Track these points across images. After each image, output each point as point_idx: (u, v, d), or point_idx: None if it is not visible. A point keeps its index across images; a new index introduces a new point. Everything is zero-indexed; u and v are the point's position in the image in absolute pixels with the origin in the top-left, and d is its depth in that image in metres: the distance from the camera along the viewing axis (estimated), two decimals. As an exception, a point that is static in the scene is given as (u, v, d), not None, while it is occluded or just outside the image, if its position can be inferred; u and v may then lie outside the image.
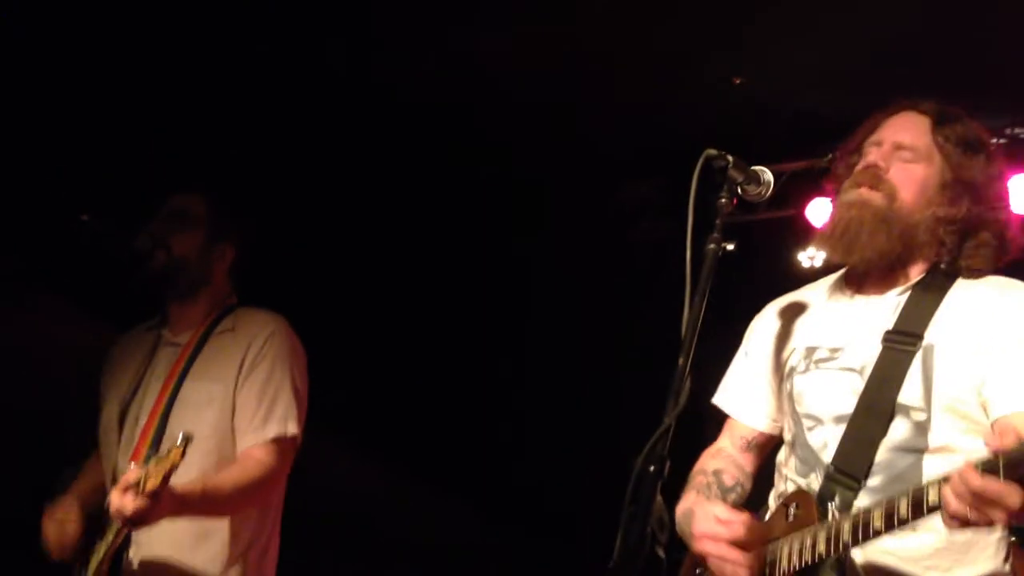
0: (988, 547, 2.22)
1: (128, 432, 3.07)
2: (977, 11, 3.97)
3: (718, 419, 2.65)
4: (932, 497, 1.91)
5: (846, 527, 2.05)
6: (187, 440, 2.52)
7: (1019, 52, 4.14)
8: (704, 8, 3.91)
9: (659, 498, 1.80)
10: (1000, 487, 1.80)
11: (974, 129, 2.44)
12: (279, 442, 2.98)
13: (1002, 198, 2.43)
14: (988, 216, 2.37)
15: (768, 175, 2.29)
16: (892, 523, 1.97)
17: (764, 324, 2.60)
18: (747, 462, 2.60)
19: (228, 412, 3.01)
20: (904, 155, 2.38)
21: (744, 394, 2.58)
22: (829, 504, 2.22)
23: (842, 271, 2.53)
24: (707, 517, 2.23)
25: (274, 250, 3.59)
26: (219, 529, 2.95)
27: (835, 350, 2.39)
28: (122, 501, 2.56)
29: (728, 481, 2.49)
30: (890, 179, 2.36)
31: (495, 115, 4.34)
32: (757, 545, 2.22)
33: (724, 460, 2.56)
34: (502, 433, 5.38)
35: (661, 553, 1.91)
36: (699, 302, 2.03)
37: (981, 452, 2.07)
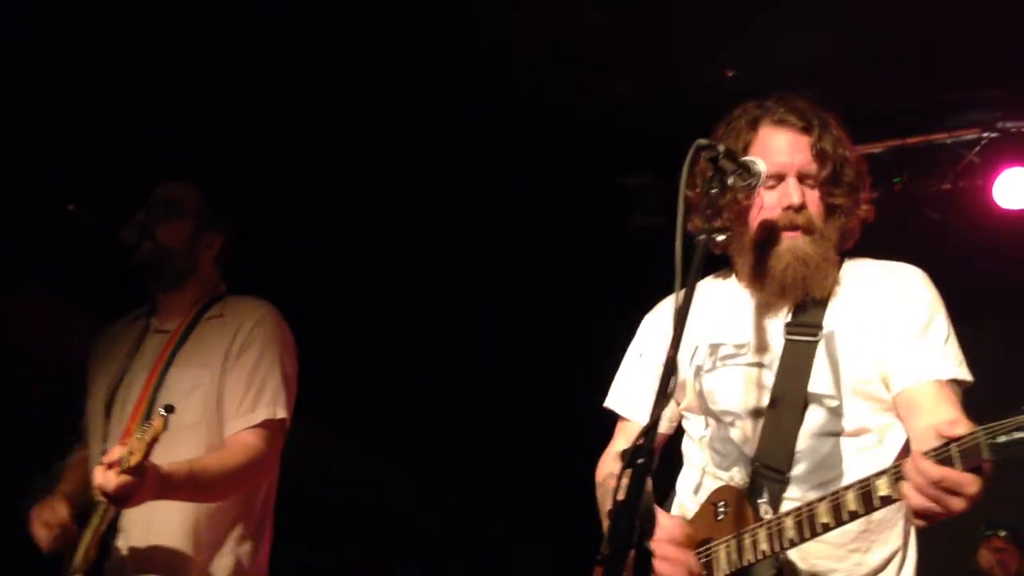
0: (897, 524, 2.28)
1: (115, 420, 3.05)
2: (968, 6, 3.97)
3: (611, 422, 2.62)
4: (883, 489, 1.95)
5: (789, 524, 2.08)
6: (169, 410, 2.50)
7: (1009, 46, 4.15)
8: (697, 1, 3.91)
9: (646, 492, 1.80)
10: (959, 475, 1.84)
11: (834, 125, 2.43)
12: (268, 426, 2.96)
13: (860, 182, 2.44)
14: (857, 205, 2.41)
15: (760, 165, 2.27)
16: (840, 517, 2.01)
17: (657, 323, 2.58)
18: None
19: (215, 398, 2.98)
20: (808, 183, 2.38)
21: (641, 396, 2.52)
22: (759, 501, 2.23)
23: (728, 268, 2.53)
24: None
25: (262, 238, 3.57)
26: (209, 515, 2.92)
27: (740, 346, 2.40)
28: (105, 477, 2.55)
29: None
30: (812, 215, 2.36)
31: (493, 107, 4.33)
32: (688, 545, 2.22)
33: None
34: (494, 423, 5.37)
35: (649, 546, 1.90)
36: (688, 294, 2.02)
37: (894, 428, 2.25)
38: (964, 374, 2.24)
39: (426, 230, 4.85)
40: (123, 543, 2.87)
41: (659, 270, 2.26)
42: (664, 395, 1.89)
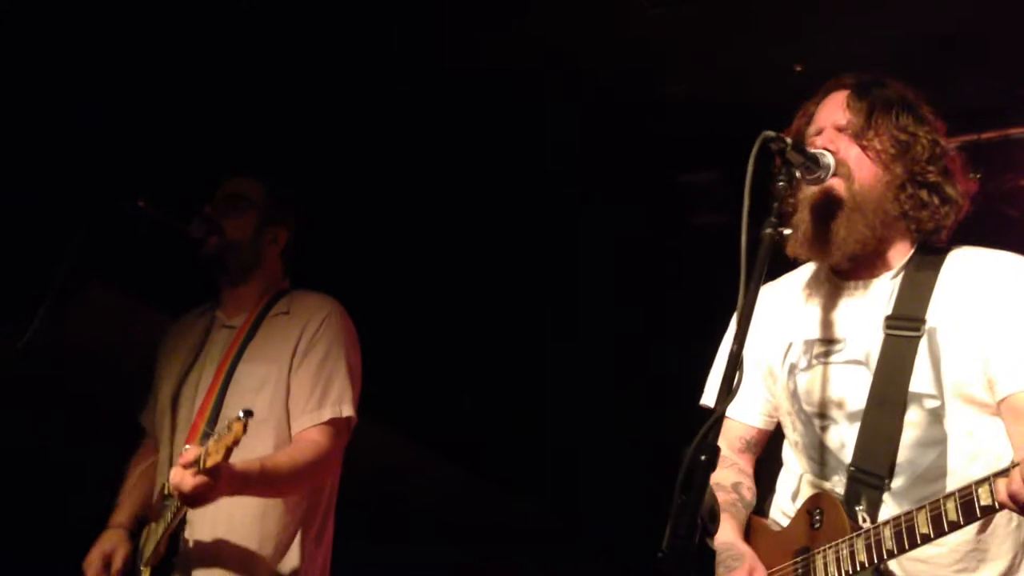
0: (1007, 541, 2.16)
1: (182, 415, 3.10)
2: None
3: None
4: (984, 499, 1.85)
5: (887, 534, 2.00)
6: (248, 415, 2.53)
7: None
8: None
9: (710, 488, 1.76)
10: None
11: (895, 89, 2.37)
12: (334, 424, 2.99)
13: (941, 157, 2.34)
14: (928, 175, 2.29)
15: (828, 158, 2.24)
16: (941, 527, 1.92)
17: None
18: (748, 464, 2.53)
19: (283, 394, 3.02)
20: (846, 135, 2.31)
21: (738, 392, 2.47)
22: (857, 508, 2.15)
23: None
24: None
25: (327, 233, 3.59)
26: (276, 511, 2.96)
27: (835, 342, 2.31)
28: (181, 477, 2.59)
29: (748, 495, 2.43)
30: (844, 160, 2.28)
31: (559, 102, 4.30)
32: (782, 557, 2.16)
33: (735, 471, 2.48)
34: (549, 417, 5.35)
35: (712, 544, 1.87)
36: (754, 289, 1.98)
37: (1000, 434, 2.11)
38: None
39: (490, 227, 4.84)
40: (191, 536, 2.93)
41: (725, 268, 2.22)
42: (728, 392, 1.86)
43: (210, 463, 2.55)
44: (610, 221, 4.89)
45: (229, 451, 2.54)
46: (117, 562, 2.99)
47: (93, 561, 3.01)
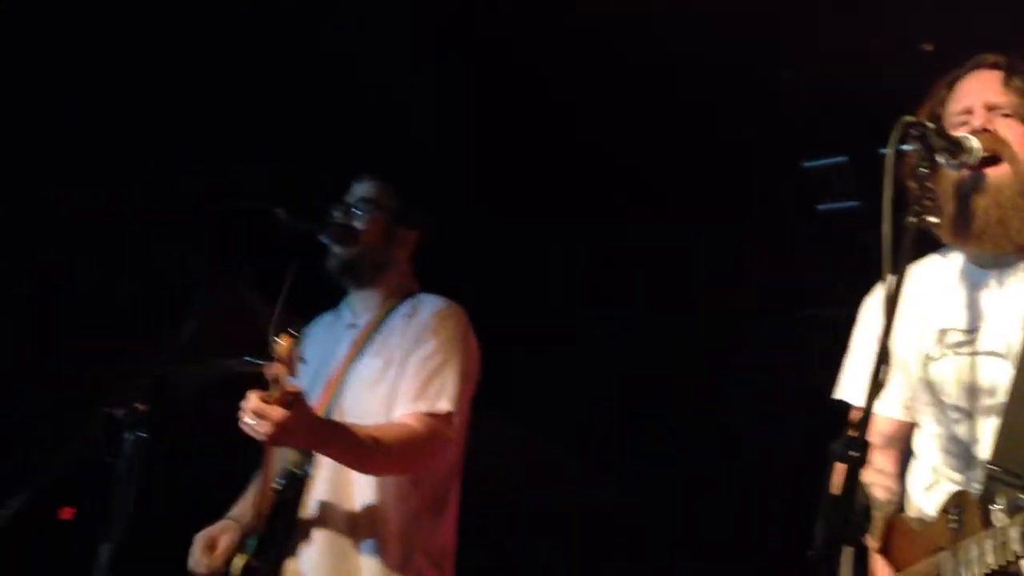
0: None
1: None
2: None
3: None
4: None
5: (1014, 535, 1.91)
6: (296, 331, 2.56)
7: None
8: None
9: (862, 486, 1.73)
10: None
11: None
12: (431, 416, 2.98)
13: None
14: None
15: (972, 141, 2.15)
16: None
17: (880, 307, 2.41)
18: (889, 460, 2.43)
19: (396, 390, 3.05)
20: (1001, 113, 2.21)
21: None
22: (991, 508, 2.05)
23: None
24: None
25: (457, 238, 3.63)
26: (394, 496, 2.98)
27: (970, 332, 2.21)
28: (254, 402, 2.59)
29: (882, 495, 2.33)
30: (1006, 140, 2.17)
31: (688, 88, 4.25)
32: (921, 556, 2.10)
33: (878, 475, 2.38)
34: (685, 415, 5.30)
35: (871, 544, 1.82)
36: (899, 280, 1.93)
37: None
38: None
39: (611, 217, 4.83)
40: (303, 513, 2.98)
41: (851, 254, 2.17)
42: (876, 385, 1.81)
43: (276, 395, 2.54)
44: (736, 206, 4.82)
45: (280, 369, 2.54)
46: (220, 546, 3.01)
47: (198, 540, 3.05)
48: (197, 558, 3.00)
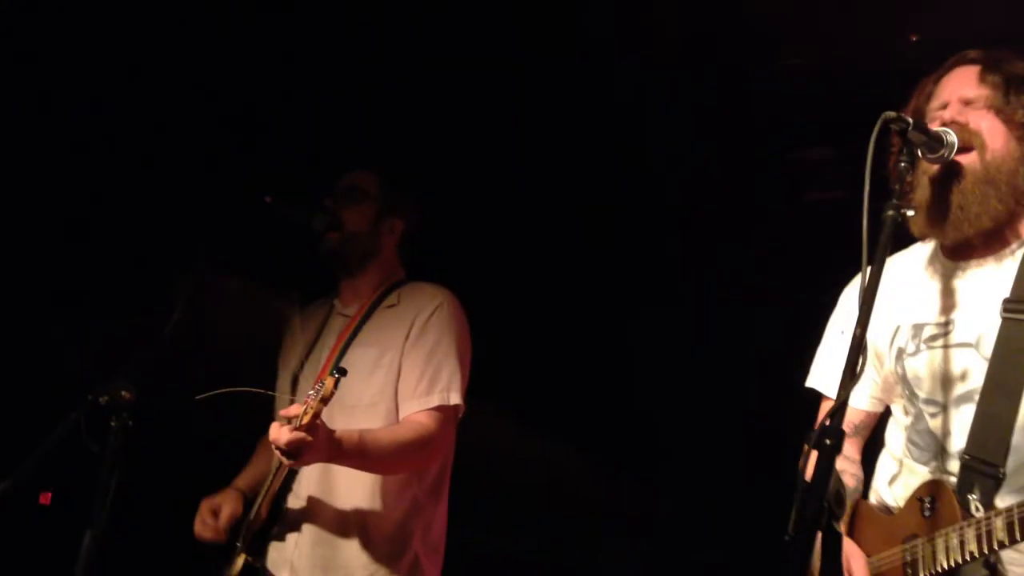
0: None
1: (300, 397, 3.18)
2: None
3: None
4: None
5: (999, 525, 1.94)
6: (341, 373, 2.56)
7: None
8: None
9: (836, 473, 1.75)
10: None
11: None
12: (441, 411, 3.02)
13: None
14: None
15: (951, 136, 2.18)
16: None
17: (855, 297, 2.43)
18: (855, 448, 2.48)
19: (393, 379, 3.07)
20: (975, 107, 2.24)
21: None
22: (970, 497, 2.09)
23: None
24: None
25: (443, 225, 3.64)
26: (384, 489, 3.01)
27: (943, 325, 2.24)
28: (279, 432, 2.62)
29: (851, 482, 2.39)
30: (976, 131, 2.21)
31: (668, 81, 4.25)
32: (890, 542, 2.13)
33: (844, 461, 2.42)
34: (671, 406, 5.33)
35: (840, 528, 1.85)
36: (876, 271, 1.95)
37: None
38: None
39: (598, 209, 4.83)
40: (294, 504, 3.02)
41: (836, 245, 2.19)
42: (852, 375, 1.84)
43: (306, 419, 2.57)
44: (720, 198, 4.83)
45: (321, 406, 2.57)
46: (223, 515, 3.04)
47: (201, 508, 3.09)
48: (202, 522, 3.05)
